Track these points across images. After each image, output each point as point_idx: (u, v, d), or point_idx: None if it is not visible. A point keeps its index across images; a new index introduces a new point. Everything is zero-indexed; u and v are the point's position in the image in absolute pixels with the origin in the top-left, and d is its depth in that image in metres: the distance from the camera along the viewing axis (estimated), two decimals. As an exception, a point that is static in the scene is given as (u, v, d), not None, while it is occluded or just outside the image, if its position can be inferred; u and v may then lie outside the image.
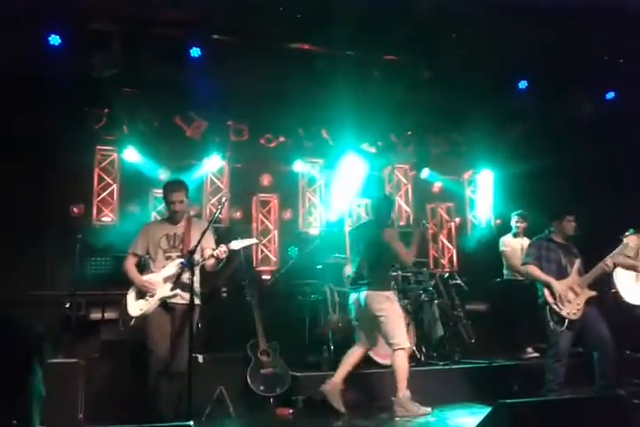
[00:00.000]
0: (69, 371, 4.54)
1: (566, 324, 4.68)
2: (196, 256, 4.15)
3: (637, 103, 7.51)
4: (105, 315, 5.75)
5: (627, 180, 7.75)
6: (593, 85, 7.77)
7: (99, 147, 7.29)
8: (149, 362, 4.16)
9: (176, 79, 6.76)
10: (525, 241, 6.40)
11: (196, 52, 6.61)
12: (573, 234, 5.09)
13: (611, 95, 8.01)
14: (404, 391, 4.74)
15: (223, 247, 4.21)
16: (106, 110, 6.98)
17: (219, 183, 7.97)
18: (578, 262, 4.99)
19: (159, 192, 7.54)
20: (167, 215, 4.64)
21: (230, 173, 7.96)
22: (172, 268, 4.28)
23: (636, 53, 6.97)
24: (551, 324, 4.71)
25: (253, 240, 4.56)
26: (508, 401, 3.16)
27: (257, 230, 8.06)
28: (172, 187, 4.48)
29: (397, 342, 4.83)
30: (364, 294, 4.94)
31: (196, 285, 4.33)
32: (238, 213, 7.86)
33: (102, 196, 7.23)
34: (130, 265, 4.42)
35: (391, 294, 5.05)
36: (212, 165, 7.75)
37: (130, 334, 4.85)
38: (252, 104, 7.36)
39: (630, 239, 4.92)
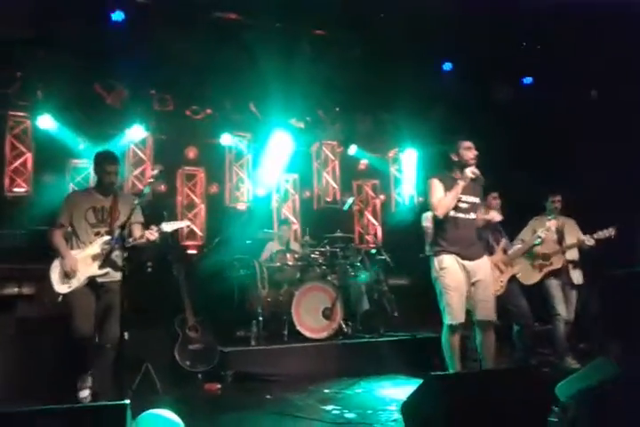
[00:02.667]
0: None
1: None
2: (126, 234, 3.98)
3: (551, 89, 7.88)
4: (22, 290, 5.44)
5: (537, 161, 8.12)
6: (511, 70, 8.08)
7: (11, 112, 6.81)
8: (74, 339, 3.98)
9: (96, 43, 6.37)
10: None
11: (118, 15, 6.27)
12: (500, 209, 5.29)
13: (528, 80, 8.36)
14: None
15: (154, 229, 4.04)
16: (18, 73, 6.50)
17: (141, 155, 7.69)
18: (504, 241, 5.25)
19: (78, 162, 7.30)
20: (95, 186, 4.33)
21: (154, 144, 7.68)
22: (100, 245, 4.07)
23: (554, 41, 7.31)
24: None
25: (185, 223, 4.50)
26: (439, 373, 3.32)
27: (182, 204, 7.88)
28: (109, 156, 4.22)
29: None
30: None
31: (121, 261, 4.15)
32: (162, 187, 7.63)
33: (14, 165, 6.79)
34: (59, 238, 4.07)
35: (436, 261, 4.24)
36: (135, 135, 7.43)
37: (48, 310, 4.64)
38: (178, 74, 7.07)
39: (552, 223, 5.19)
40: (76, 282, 4.00)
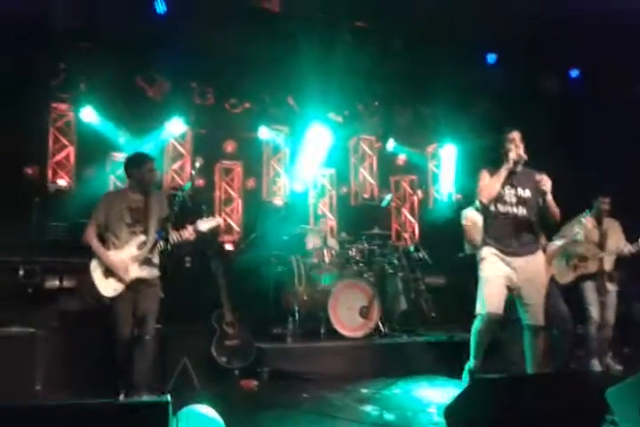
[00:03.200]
0: (26, 341, 4.33)
1: None
2: (172, 236, 3.96)
3: (599, 83, 7.62)
4: (63, 283, 5.50)
5: (584, 154, 7.86)
6: (559, 63, 7.83)
7: (54, 105, 6.89)
8: (115, 340, 4.00)
9: (139, 36, 6.40)
10: None
11: (161, 8, 6.27)
12: None
13: (575, 73, 8.10)
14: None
15: (189, 229, 4.03)
16: (62, 65, 6.56)
17: (181, 149, 7.72)
18: (542, 239, 5.08)
19: (119, 156, 7.35)
20: (131, 185, 4.21)
21: (193, 138, 7.70)
22: (137, 245, 4.04)
23: (603, 34, 7.04)
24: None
25: (219, 220, 4.34)
26: (485, 376, 3.22)
27: (220, 199, 7.88)
28: (146, 156, 4.20)
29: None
30: None
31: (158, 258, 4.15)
32: (201, 181, 7.63)
33: (57, 158, 6.87)
34: (92, 236, 4.03)
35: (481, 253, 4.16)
36: (174, 129, 7.46)
37: (89, 303, 4.66)
38: (219, 66, 7.09)
39: (588, 220, 5.03)
40: (121, 285, 3.98)
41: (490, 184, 3.98)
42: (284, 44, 6.78)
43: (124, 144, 7.16)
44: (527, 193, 4.07)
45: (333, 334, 5.59)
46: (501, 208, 4.05)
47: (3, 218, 6.29)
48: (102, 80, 6.70)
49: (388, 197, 7.20)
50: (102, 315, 4.18)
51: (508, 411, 2.73)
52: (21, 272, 5.28)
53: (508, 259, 4.02)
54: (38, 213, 5.43)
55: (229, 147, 7.88)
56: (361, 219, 7.65)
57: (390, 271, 6.44)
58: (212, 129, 7.71)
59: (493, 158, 4.14)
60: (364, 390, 4.63)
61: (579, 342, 5.59)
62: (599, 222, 5.37)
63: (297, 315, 5.65)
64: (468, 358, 5.47)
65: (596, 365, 5.20)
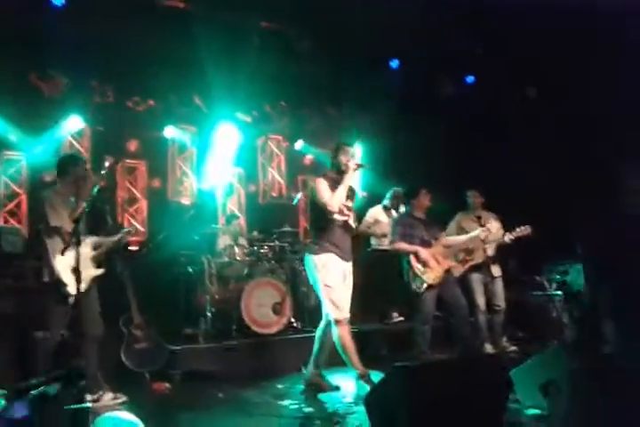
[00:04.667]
0: None
1: (425, 287, 5.07)
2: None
3: (492, 88, 8.13)
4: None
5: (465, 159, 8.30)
6: (455, 69, 8.27)
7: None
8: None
9: (34, 29, 6.05)
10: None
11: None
12: (431, 205, 5.45)
13: (470, 79, 8.58)
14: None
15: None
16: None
17: (78, 147, 7.38)
18: (442, 236, 5.39)
19: (10, 154, 6.92)
20: (69, 188, 4.25)
21: (92, 136, 7.38)
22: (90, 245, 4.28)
23: (493, 43, 7.54)
24: (413, 285, 5.08)
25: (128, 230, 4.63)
26: (401, 364, 3.35)
27: (122, 199, 7.61)
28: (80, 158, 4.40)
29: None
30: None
31: None
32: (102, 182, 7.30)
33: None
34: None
35: (318, 259, 4.33)
36: (72, 126, 7.11)
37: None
38: (119, 64, 6.82)
39: (483, 234, 5.40)
40: (85, 284, 4.02)
41: (338, 195, 4.27)
42: (190, 42, 6.66)
43: (18, 142, 6.77)
44: (349, 202, 4.46)
45: (247, 331, 5.58)
46: (337, 216, 4.36)
47: None
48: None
49: (299, 195, 7.30)
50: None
51: (422, 396, 2.86)
52: None
53: (342, 263, 4.39)
54: None
55: (132, 146, 7.63)
56: (270, 217, 7.68)
57: (301, 268, 6.50)
58: (112, 127, 7.41)
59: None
60: (280, 386, 4.68)
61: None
62: (477, 216, 5.83)
63: (209, 315, 5.58)
64: (375, 347, 5.72)
65: (489, 348, 5.68)
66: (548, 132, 7.39)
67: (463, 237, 5.56)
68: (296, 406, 3.98)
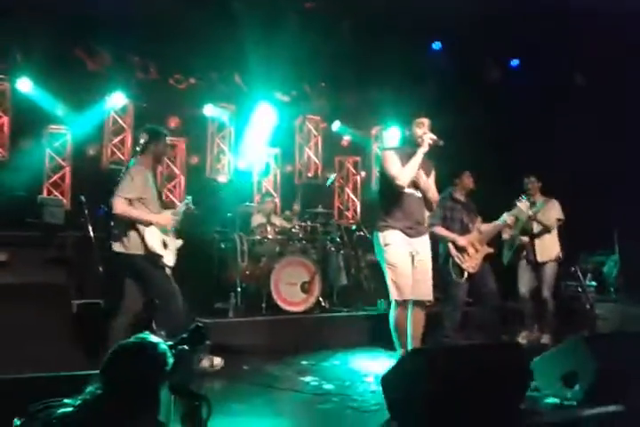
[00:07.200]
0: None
1: (465, 276, 5.02)
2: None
3: (537, 72, 7.92)
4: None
5: (516, 143, 8.16)
6: (500, 52, 8.08)
7: (-13, 74, 6.61)
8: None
9: (78, 4, 6.18)
10: None
11: (104, -24, 6.07)
12: (474, 188, 5.40)
13: (515, 62, 8.37)
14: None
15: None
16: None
17: (122, 123, 7.56)
18: (478, 221, 5.34)
19: (56, 128, 7.14)
20: (149, 160, 4.17)
21: (135, 112, 7.54)
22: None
23: (542, 25, 7.31)
24: (453, 275, 5.03)
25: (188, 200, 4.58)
26: (422, 347, 3.39)
27: (161, 175, 7.77)
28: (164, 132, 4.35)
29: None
30: None
31: None
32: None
33: (-9, 128, 6.62)
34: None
35: (382, 236, 4.14)
36: (116, 102, 7.30)
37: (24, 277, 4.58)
38: (163, 40, 6.90)
39: (523, 205, 5.29)
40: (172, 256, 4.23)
41: (409, 168, 4.01)
42: (232, 21, 6.69)
43: (63, 117, 6.97)
44: (424, 177, 4.20)
45: (275, 308, 5.69)
46: (408, 190, 4.13)
47: None
48: (40, 51, 6.44)
49: (333, 176, 7.32)
50: (39, 288, 4.12)
51: (441, 380, 2.89)
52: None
53: (410, 240, 4.13)
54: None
55: (173, 123, 7.76)
56: (304, 197, 7.73)
57: (332, 249, 6.57)
58: (154, 104, 7.55)
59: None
60: (304, 362, 4.76)
61: (510, 316, 5.93)
62: (532, 202, 5.65)
63: (239, 290, 5.70)
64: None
65: (524, 336, 5.55)
66: (591, 119, 7.18)
67: (495, 225, 5.48)
68: (316, 383, 4.06)
